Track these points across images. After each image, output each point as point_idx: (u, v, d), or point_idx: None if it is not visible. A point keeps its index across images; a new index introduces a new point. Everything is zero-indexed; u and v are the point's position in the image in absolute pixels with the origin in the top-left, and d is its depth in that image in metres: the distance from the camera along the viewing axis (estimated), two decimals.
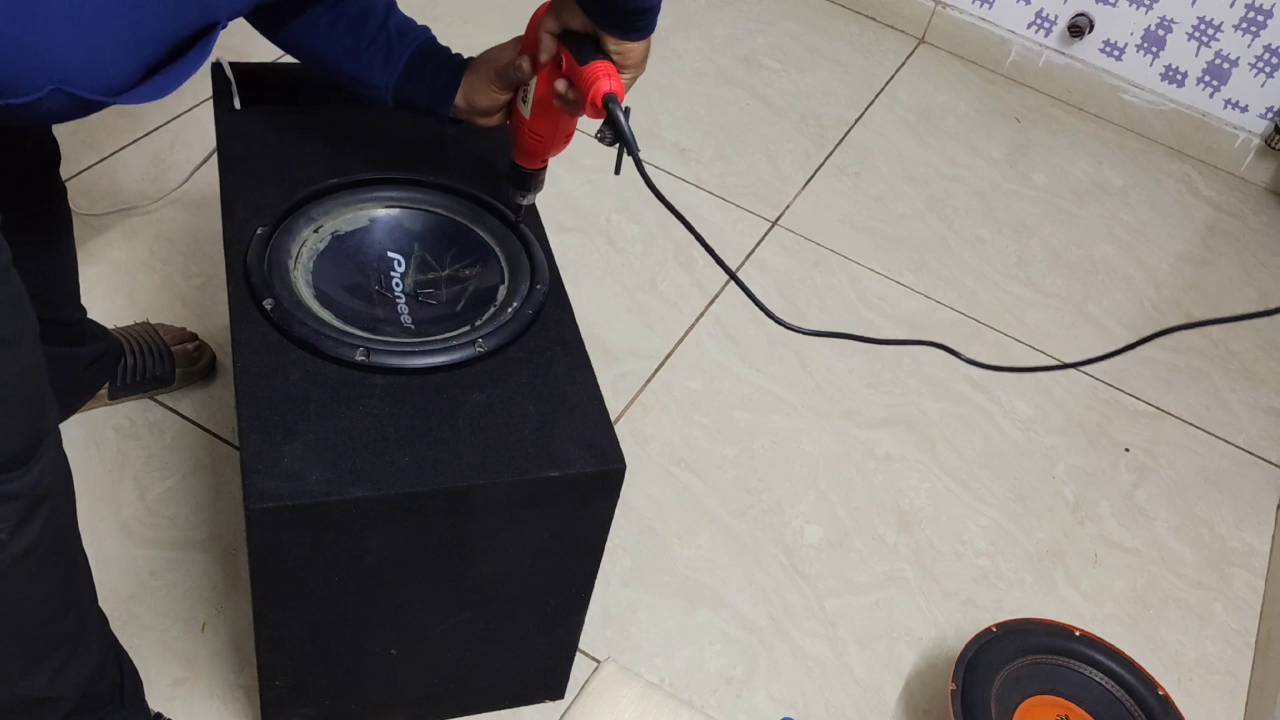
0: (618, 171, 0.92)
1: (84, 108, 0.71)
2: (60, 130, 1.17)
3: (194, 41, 0.76)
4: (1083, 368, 1.87)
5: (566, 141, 1.01)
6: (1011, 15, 2.50)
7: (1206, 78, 2.39)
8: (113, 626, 1.23)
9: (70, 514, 0.89)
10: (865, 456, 1.63)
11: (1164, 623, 1.52)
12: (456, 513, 0.92)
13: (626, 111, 0.88)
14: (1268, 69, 2.33)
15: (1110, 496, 1.67)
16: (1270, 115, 2.39)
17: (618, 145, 0.88)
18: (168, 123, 1.85)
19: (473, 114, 1.02)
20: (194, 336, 1.47)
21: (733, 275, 0.87)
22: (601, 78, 0.87)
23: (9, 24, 0.63)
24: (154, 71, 0.74)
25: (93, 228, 1.64)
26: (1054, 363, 1.83)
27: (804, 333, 0.87)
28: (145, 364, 1.40)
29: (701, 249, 1.99)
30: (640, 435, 1.57)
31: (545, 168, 1.04)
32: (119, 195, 1.71)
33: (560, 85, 0.92)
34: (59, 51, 0.66)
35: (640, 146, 2.03)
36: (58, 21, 0.65)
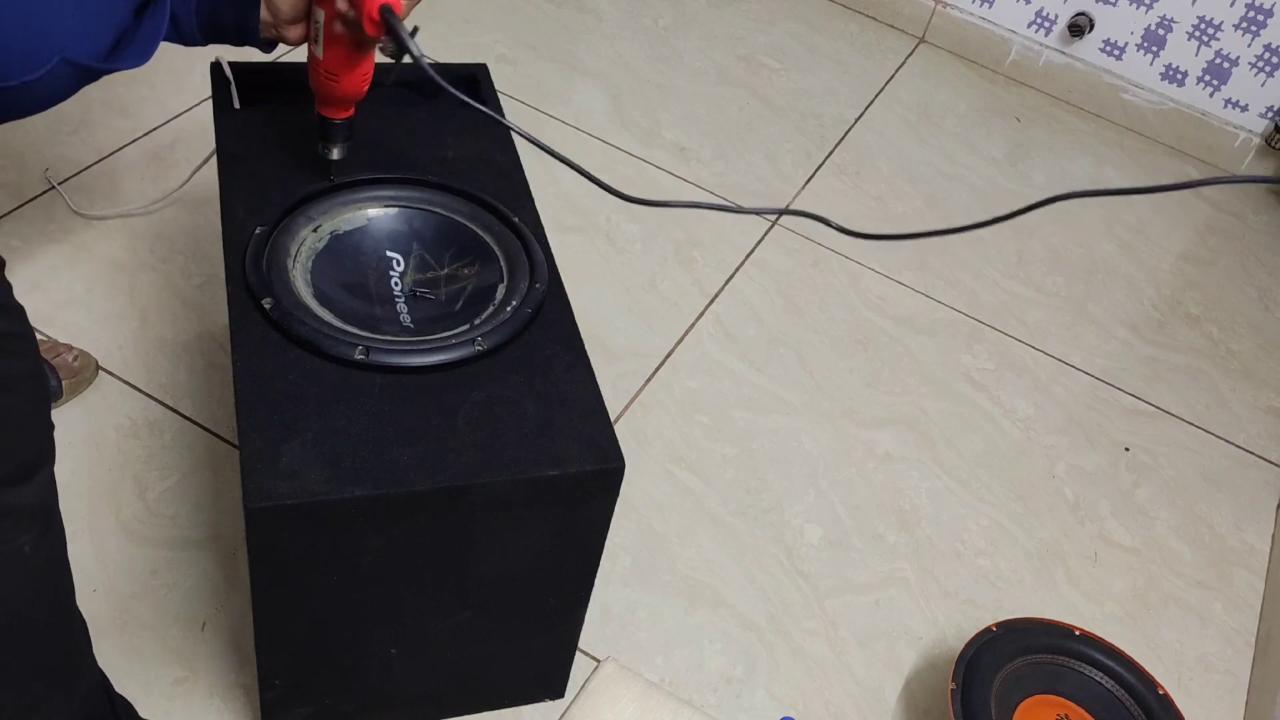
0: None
1: (82, 79, 0.70)
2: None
3: (148, 4, 0.75)
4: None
5: (363, 82, 0.99)
6: (1011, 15, 2.50)
7: (1207, 77, 2.39)
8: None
9: (63, 528, 0.88)
10: (865, 456, 1.63)
11: (1164, 622, 1.52)
12: (456, 511, 0.92)
13: (413, 32, 0.87)
14: (1268, 68, 2.33)
15: (1110, 496, 1.67)
16: (1270, 114, 2.39)
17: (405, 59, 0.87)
18: (168, 123, 1.85)
19: (278, 25, 0.98)
20: (69, 347, 1.43)
21: (560, 155, 0.85)
22: None
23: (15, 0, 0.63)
24: (121, 37, 0.73)
25: (93, 228, 1.65)
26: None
27: (646, 204, 0.85)
28: None
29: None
30: (640, 435, 1.57)
31: (351, 118, 1.03)
32: (119, 195, 1.71)
33: (342, 5, 0.91)
34: (60, 20, 0.66)
35: (639, 146, 2.03)
36: None
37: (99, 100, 1.85)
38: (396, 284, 1.04)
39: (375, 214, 1.06)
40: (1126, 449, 1.75)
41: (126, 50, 0.73)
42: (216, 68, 1.15)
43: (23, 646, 0.83)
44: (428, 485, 0.88)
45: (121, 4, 0.72)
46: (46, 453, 0.79)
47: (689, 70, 2.30)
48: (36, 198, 1.67)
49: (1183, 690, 1.45)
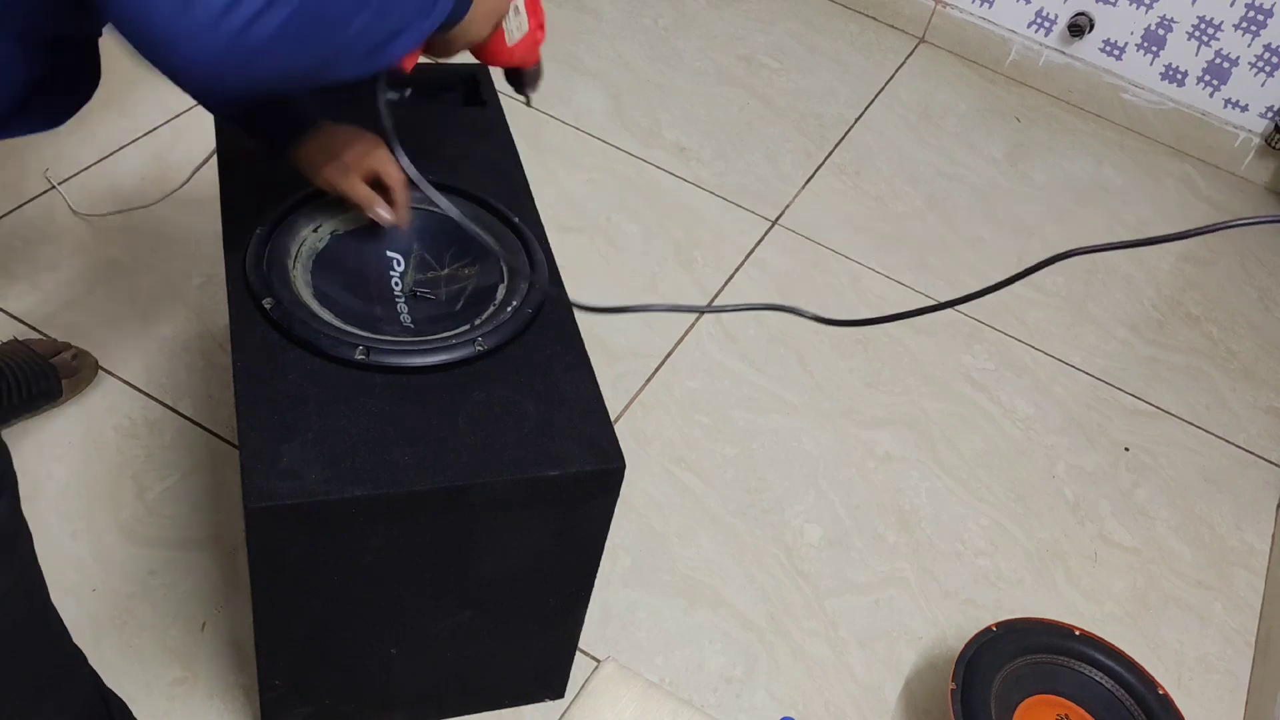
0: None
1: None
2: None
3: (80, 59, 0.74)
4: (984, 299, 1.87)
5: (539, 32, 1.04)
6: (1011, 14, 2.50)
7: (1207, 77, 2.39)
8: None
9: (33, 548, 0.86)
10: (865, 456, 1.63)
11: (1164, 622, 1.52)
12: (456, 511, 0.92)
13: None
14: (1268, 68, 2.33)
15: (1110, 496, 1.67)
16: (1270, 114, 2.39)
17: None
18: (168, 122, 1.85)
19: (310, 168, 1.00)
20: (68, 345, 1.43)
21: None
22: None
23: None
24: (31, 98, 0.72)
25: (93, 228, 1.65)
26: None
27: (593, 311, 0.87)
28: (29, 381, 1.35)
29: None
30: (640, 435, 1.57)
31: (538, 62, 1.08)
32: (119, 195, 1.71)
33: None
34: None
35: (639, 146, 2.03)
36: None
37: (99, 99, 1.83)
38: (397, 284, 1.04)
39: None
40: (1126, 449, 1.75)
41: (27, 115, 0.71)
42: None
43: (3, 662, 0.83)
44: (428, 485, 0.88)
45: (10, 90, 0.70)
46: (3, 480, 0.76)
47: (689, 70, 2.30)
48: (36, 198, 1.67)
49: (1183, 690, 1.45)
